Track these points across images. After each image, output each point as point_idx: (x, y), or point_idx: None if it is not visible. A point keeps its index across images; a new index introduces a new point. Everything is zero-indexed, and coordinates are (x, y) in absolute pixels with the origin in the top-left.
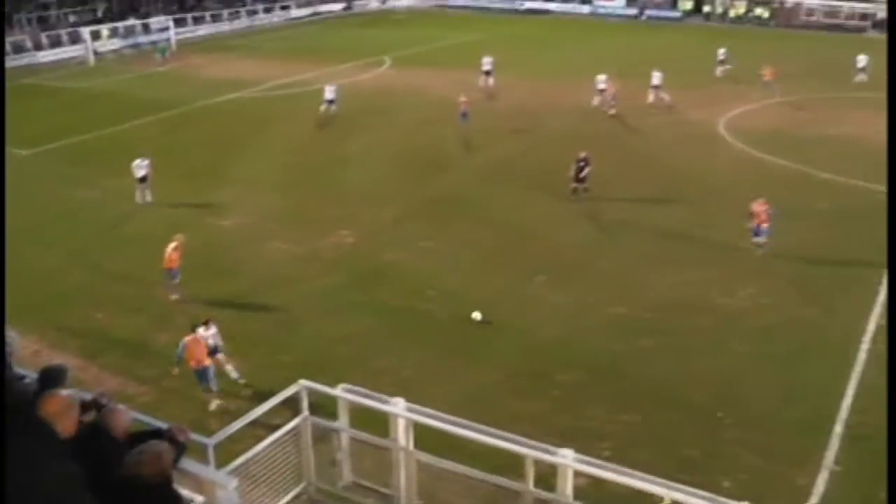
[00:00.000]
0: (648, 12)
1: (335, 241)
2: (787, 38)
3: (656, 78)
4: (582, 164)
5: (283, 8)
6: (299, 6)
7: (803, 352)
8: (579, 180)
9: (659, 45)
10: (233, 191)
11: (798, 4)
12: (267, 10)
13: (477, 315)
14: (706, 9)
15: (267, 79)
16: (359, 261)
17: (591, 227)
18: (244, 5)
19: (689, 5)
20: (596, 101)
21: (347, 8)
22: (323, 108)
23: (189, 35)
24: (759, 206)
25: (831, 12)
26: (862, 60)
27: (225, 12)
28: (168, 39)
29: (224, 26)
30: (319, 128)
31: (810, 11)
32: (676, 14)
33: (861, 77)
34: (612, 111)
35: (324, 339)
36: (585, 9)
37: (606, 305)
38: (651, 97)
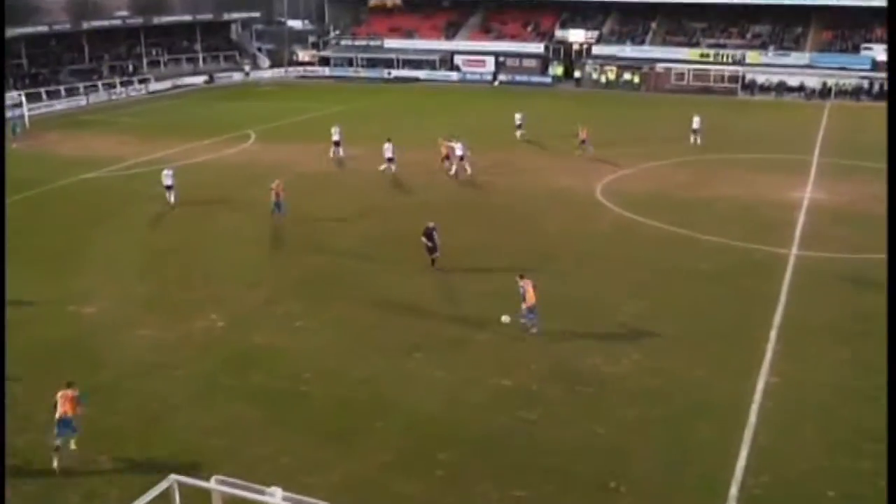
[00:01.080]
0: (501, 77)
1: (204, 324)
2: (656, 103)
3: (459, 148)
4: (430, 232)
5: (142, 81)
6: (158, 79)
7: (693, 414)
8: (430, 250)
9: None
10: (93, 276)
11: (668, 69)
12: (125, 84)
13: (506, 318)
14: (577, 74)
15: (126, 156)
16: (230, 345)
17: (465, 299)
18: (101, 78)
19: (559, 70)
20: (383, 167)
21: (209, 81)
22: (168, 195)
23: (44, 111)
24: (526, 283)
25: (700, 75)
26: (696, 122)
27: (81, 86)
28: (21, 115)
29: (80, 101)
30: (180, 207)
31: (680, 75)
32: (546, 80)
33: (695, 139)
34: (452, 172)
35: (196, 430)
36: (454, 75)
37: (488, 378)
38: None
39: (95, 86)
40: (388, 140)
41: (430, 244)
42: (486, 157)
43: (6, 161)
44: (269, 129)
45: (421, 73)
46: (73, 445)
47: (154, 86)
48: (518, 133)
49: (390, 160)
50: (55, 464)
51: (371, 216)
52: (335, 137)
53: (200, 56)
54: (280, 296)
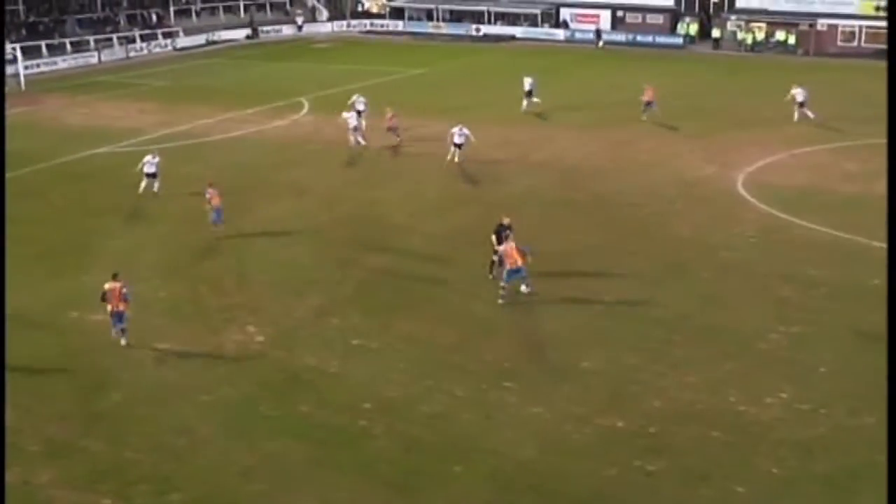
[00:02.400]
0: (616, 37)
1: (240, 339)
2: (818, 69)
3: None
4: (502, 232)
5: (168, 35)
6: (188, 33)
7: (858, 473)
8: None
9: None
10: (102, 275)
11: (833, 27)
12: (146, 38)
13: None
14: (715, 33)
15: (146, 128)
16: (271, 365)
17: (571, 315)
18: (116, 30)
19: (692, 29)
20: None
21: (252, 36)
22: (143, 184)
23: (44, 69)
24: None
25: (875, 35)
26: (800, 94)
27: (91, 40)
28: (16, 74)
29: (90, 58)
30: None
31: (848, 35)
32: (676, 40)
33: (801, 113)
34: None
35: (226, 471)
36: (560, 33)
37: (596, 417)
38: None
39: (109, 40)
40: (459, 125)
41: (495, 250)
42: (598, 138)
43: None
44: (327, 96)
45: (518, 30)
46: (123, 342)
47: (183, 41)
48: (525, 103)
49: (458, 146)
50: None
51: (447, 211)
52: (358, 108)
53: (241, 4)
54: (334, 306)
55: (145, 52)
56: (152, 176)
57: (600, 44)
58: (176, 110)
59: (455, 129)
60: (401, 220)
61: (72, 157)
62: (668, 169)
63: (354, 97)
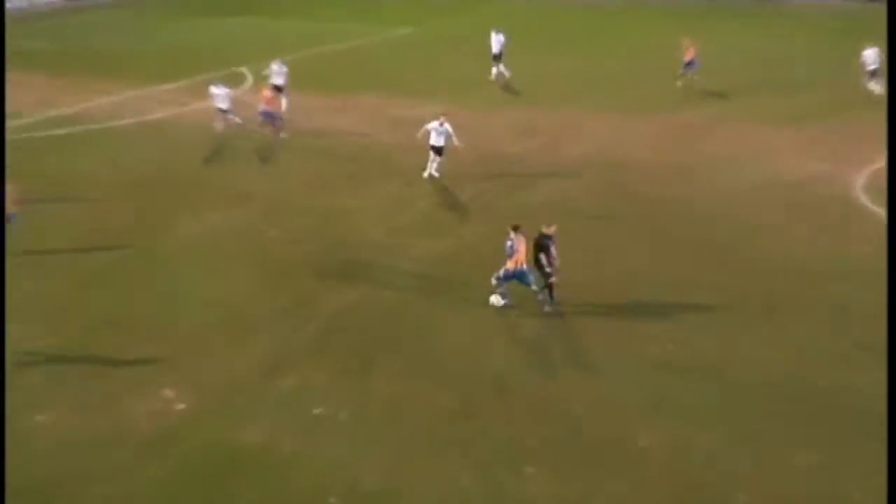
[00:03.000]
0: None
1: (154, 407)
2: None
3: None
4: (547, 244)
5: None
6: None
7: None
8: (545, 274)
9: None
10: None
11: None
12: None
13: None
14: None
15: (20, 110)
16: (198, 444)
17: (619, 371)
18: None
19: None
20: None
21: None
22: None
23: None
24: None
25: None
26: (871, 57)
27: None
28: None
29: None
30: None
31: None
32: None
33: (874, 86)
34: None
35: None
36: None
37: None
38: None
39: None
40: (441, 118)
41: (546, 262)
42: (654, 123)
43: None
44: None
45: None
46: None
47: None
48: (494, 70)
49: (437, 151)
50: None
51: (443, 226)
52: (275, 80)
53: None
54: (287, 359)
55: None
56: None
57: None
58: (65, 85)
59: (433, 125)
60: (379, 238)
61: None
62: (755, 166)
63: (272, 66)
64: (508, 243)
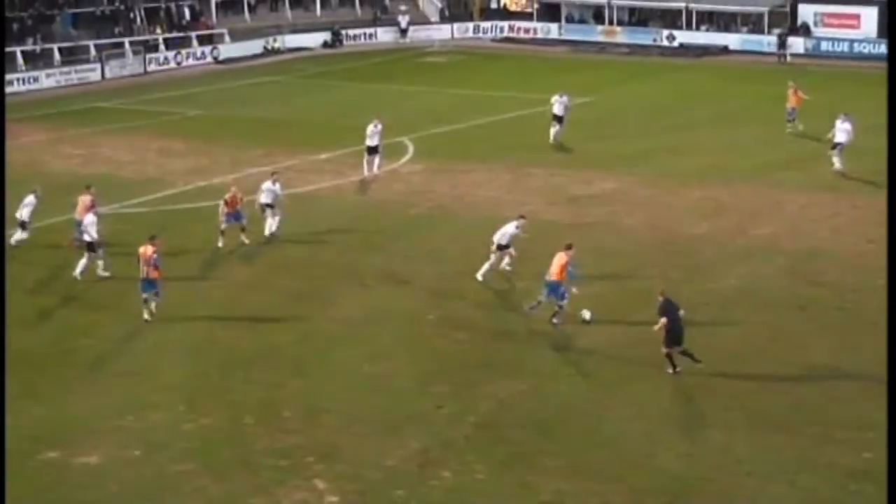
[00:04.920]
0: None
1: (303, 498)
2: None
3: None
4: (671, 307)
5: (207, 41)
6: (237, 38)
7: None
8: (672, 340)
9: None
10: (105, 397)
11: None
12: (175, 45)
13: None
14: None
15: (170, 179)
16: None
17: (813, 481)
18: (129, 32)
19: None
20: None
21: (333, 43)
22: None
23: (21, 87)
24: None
25: None
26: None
27: (91, 46)
28: None
29: (89, 72)
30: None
31: None
32: None
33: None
34: None
35: None
36: (799, 43)
37: None
38: None
39: (119, 46)
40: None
41: (670, 332)
42: (857, 205)
43: None
44: (443, 136)
45: (732, 39)
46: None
47: (229, 49)
48: (552, 131)
49: (504, 248)
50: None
51: (618, 312)
52: (371, 142)
53: None
54: (446, 452)
55: (172, 64)
56: (268, 208)
57: (786, 56)
58: (215, 152)
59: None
60: (543, 325)
61: (53, 221)
62: None
63: (369, 126)
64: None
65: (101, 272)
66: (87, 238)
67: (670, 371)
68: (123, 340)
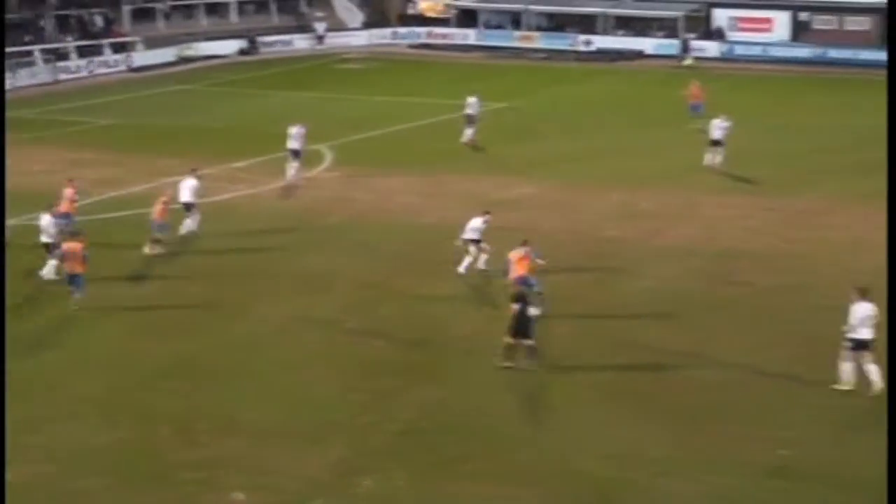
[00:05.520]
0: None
1: None
2: None
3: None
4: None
5: (120, 49)
6: (152, 45)
7: None
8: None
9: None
10: (24, 410)
11: None
12: (87, 53)
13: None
14: None
15: (82, 190)
16: None
17: (729, 477)
18: (39, 41)
19: None
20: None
21: (249, 50)
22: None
23: None
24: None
25: None
26: (718, 129)
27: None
28: None
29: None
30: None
31: None
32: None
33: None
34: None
35: None
36: (713, 48)
37: None
38: None
39: (28, 55)
40: (484, 215)
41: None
42: (767, 208)
43: None
44: (360, 143)
45: (648, 43)
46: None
47: (143, 57)
48: (467, 133)
49: (476, 242)
50: None
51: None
52: (292, 144)
53: (233, 4)
54: (367, 460)
55: (84, 73)
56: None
57: (687, 60)
58: (129, 162)
59: (479, 222)
60: (469, 330)
61: None
62: (878, 252)
63: (292, 128)
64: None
65: (47, 274)
66: (44, 239)
67: (503, 364)
68: (37, 352)
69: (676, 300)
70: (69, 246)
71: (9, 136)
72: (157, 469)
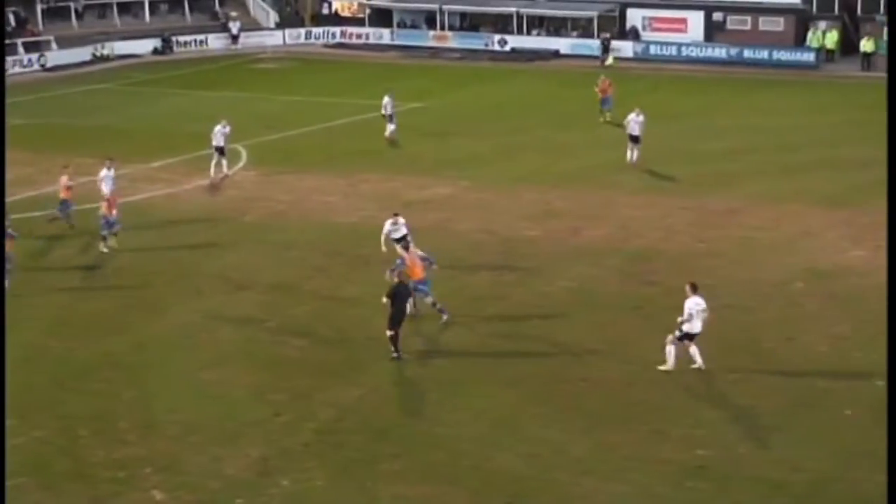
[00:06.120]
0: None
1: None
2: None
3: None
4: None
5: (33, 48)
6: (65, 44)
7: None
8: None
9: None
10: None
11: None
12: None
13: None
14: (865, 46)
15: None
16: None
17: (649, 478)
18: None
19: (831, 40)
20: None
21: (163, 49)
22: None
23: None
24: None
25: None
26: (634, 123)
27: None
28: None
29: None
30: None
31: None
32: (805, 56)
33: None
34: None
35: None
36: (628, 47)
37: None
38: None
39: None
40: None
41: (393, 316)
42: (683, 207)
43: None
44: (276, 142)
45: (563, 43)
46: None
47: (56, 56)
48: (389, 128)
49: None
50: None
51: (455, 315)
52: (217, 141)
53: (146, 3)
54: (284, 459)
55: None
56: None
57: (608, 60)
58: (42, 162)
59: (388, 224)
60: (380, 330)
61: None
62: (792, 253)
63: (216, 126)
64: (398, 261)
65: None
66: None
67: (393, 356)
68: None
69: (592, 300)
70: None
71: None
72: (76, 468)
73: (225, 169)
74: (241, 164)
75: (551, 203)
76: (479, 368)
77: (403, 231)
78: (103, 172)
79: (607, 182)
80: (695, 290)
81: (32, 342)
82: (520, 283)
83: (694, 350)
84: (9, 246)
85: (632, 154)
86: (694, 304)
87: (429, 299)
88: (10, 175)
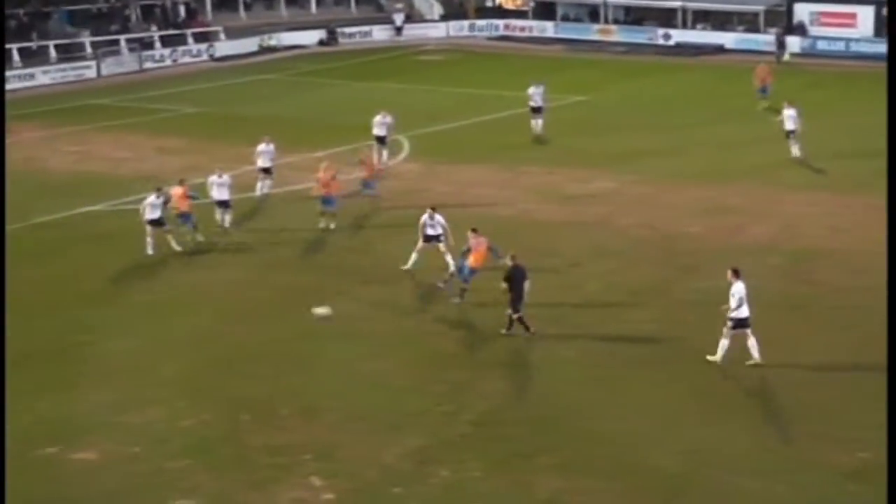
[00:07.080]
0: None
1: (300, 496)
2: None
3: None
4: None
5: (202, 38)
6: (233, 35)
7: None
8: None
9: None
10: (99, 393)
11: None
12: (170, 43)
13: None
14: None
15: (165, 176)
16: None
17: (807, 481)
18: (125, 30)
19: None
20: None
21: (328, 41)
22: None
23: (16, 85)
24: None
25: None
26: (789, 119)
27: (87, 43)
28: None
29: (85, 70)
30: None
31: None
32: None
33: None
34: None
35: None
36: (795, 42)
37: None
38: None
39: (115, 43)
40: (428, 210)
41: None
42: (853, 204)
43: None
44: (438, 134)
45: (728, 38)
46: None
47: (225, 47)
48: (533, 123)
49: (435, 239)
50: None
51: (612, 310)
52: (377, 131)
53: None
54: (443, 450)
55: (168, 62)
56: (224, 205)
57: (785, 56)
58: (212, 150)
59: (425, 218)
60: (541, 325)
61: (51, 218)
62: None
63: (376, 116)
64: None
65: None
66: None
67: (528, 334)
68: (123, 336)
69: (754, 298)
70: (175, 190)
71: (93, 125)
72: (237, 452)
73: (385, 158)
74: (403, 155)
75: (714, 199)
76: (641, 363)
77: (439, 230)
78: (213, 178)
79: (771, 178)
80: (737, 275)
81: (202, 327)
82: (680, 280)
83: (752, 343)
84: (189, 206)
85: (794, 149)
86: (739, 290)
87: (467, 284)
88: (182, 162)
